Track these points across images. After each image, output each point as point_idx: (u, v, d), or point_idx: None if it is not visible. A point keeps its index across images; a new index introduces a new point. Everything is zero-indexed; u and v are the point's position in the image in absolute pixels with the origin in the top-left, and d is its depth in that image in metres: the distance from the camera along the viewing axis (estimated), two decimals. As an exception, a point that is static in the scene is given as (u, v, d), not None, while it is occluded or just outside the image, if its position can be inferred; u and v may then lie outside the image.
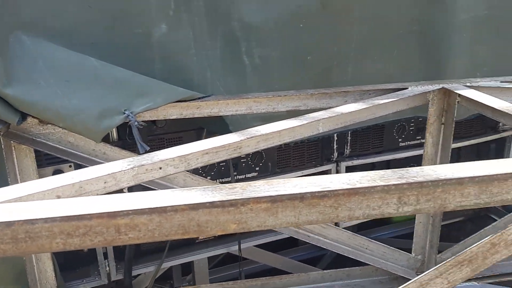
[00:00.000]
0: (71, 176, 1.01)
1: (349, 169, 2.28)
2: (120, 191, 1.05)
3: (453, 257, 0.99)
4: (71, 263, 1.96)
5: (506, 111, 1.28)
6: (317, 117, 1.35)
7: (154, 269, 1.99)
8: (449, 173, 0.87)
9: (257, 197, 0.82)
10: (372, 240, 1.80)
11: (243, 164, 2.05)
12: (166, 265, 2.08)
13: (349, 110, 1.40)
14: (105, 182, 1.03)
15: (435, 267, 0.99)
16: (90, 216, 0.78)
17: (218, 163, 1.99)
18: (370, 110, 1.44)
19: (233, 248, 2.17)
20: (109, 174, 1.03)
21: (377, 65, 2.04)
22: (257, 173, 2.10)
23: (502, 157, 2.63)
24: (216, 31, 1.75)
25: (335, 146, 2.16)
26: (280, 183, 0.86)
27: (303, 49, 1.85)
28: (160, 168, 1.09)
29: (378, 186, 0.84)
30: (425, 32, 2.04)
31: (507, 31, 2.19)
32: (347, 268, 1.86)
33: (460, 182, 0.86)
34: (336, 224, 2.27)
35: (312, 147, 2.17)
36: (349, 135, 2.16)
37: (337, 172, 2.25)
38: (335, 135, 2.13)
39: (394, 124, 2.28)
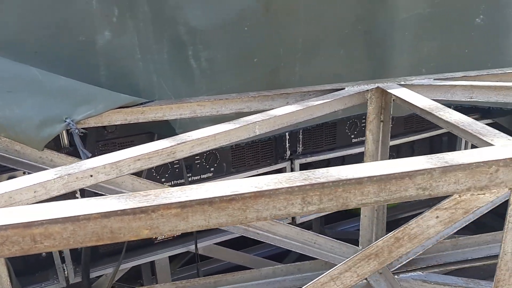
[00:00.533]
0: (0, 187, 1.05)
1: (303, 167, 2.34)
2: (55, 198, 1.09)
3: (360, 251, 1.05)
4: (30, 267, 1.99)
5: (429, 110, 1.36)
6: (253, 120, 1.40)
7: (113, 270, 2.03)
8: (350, 174, 0.93)
9: (168, 203, 0.87)
10: (320, 235, 1.87)
11: (198, 166, 2.10)
12: (127, 266, 2.12)
13: (285, 112, 1.46)
14: (35, 192, 1.07)
15: (344, 261, 1.06)
16: (6, 227, 0.82)
17: (172, 164, 2.04)
18: (306, 111, 1.50)
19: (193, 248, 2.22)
20: (38, 183, 1.07)
21: (325, 64, 2.10)
22: (212, 173, 2.15)
23: (454, 149, 2.72)
24: (162, 36, 1.79)
25: (287, 145, 2.22)
26: (193, 189, 0.91)
27: (249, 52, 1.90)
28: (91, 175, 1.14)
29: (283, 188, 0.90)
30: (369, 31, 2.10)
31: (452, 27, 2.27)
32: (297, 263, 1.93)
33: (359, 181, 0.92)
34: (293, 219, 2.35)
35: (266, 146, 2.22)
36: (301, 133, 2.23)
37: (292, 170, 2.31)
38: (287, 134, 2.19)
39: (346, 121, 2.35)
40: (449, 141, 2.73)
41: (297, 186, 0.90)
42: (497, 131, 1.15)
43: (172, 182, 2.08)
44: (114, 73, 1.70)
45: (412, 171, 0.94)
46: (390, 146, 2.48)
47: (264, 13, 1.86)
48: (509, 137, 1.12)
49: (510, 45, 2.26)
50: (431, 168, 0.95)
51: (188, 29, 1.80)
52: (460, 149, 2.69)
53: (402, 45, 2.12)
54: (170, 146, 1.25)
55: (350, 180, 0.92)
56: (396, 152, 2.66)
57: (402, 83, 1.71)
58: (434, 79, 1.73)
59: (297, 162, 2.30)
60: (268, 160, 2.26)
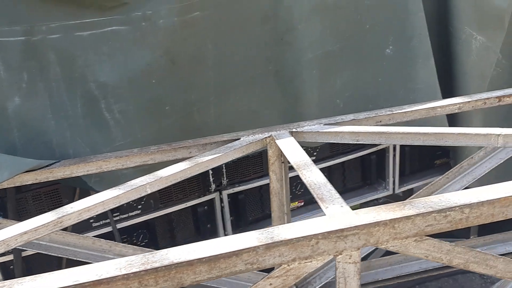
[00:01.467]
0: None
1: (233, 196, 2.49)
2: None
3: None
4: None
5: (296, 167, 1.50)
6: (143, 182, 1.54)
7: None
8: (182, 257, 1.07)
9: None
10: None
11: (124, 205, 2.24)
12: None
13: (173, 172, 1.59)
14: None
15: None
16: None
17: (99, 207, 2.17)
18: (198, 166, 1.64)
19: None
20: None
21: (241, 103, 2.24)
22: (140, 210, 2.29)
23: (383, 167, 2.87)
24: (75, 93, 1.92)
25: (211, 179, 2.36)
26: (33, 280, 1.04)
27: (160, 101, 2.03)
28: (-22, 254, 1.27)
29: (119, 275, 1.04)
30: (280, 71, 2.24)
31: (364, 58, 2.40)
32: None
33: (190, 263, 1.06)
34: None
35: (193, 179, 2.36)
36: (224, 167, 2.36)
37: (221, 200, 2.46)
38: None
39: (270, 151, 2.48)
40: (377, 159, 2.87)
41: (133, 273, 1.04)
42: (336, 196, 1.29)
43: (101, 222, 2.22)
44: (27, 134, 1.83)
45: (238, 250, 1.08)
46: (321, 168, 2.65)
47: (170, 65, 1.98)
48: (343, 203, 1.26)
49: (418, 73, 2.39)
50: (255, 246, 1.09)
51: (98, 84, 1.93)
52: (388, 168, 2.84)
53: (311, 82, 2.25)
54: (57, 218, 1.38)
55: (181, 263, 1.06)
56: (328, 173, 2.80)
57: (294, 130, 1.84)
58: (324, 124, 1.87)
59: (225, 193, 2.44)
60: (196, 192, 2.40)
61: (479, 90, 2.61)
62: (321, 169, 2.66)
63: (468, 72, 2.57)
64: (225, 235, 2.58)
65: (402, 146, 2.85)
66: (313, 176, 1.43)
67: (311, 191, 1.34)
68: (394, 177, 2.87)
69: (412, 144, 1.78)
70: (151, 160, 1.82)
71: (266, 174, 2.54)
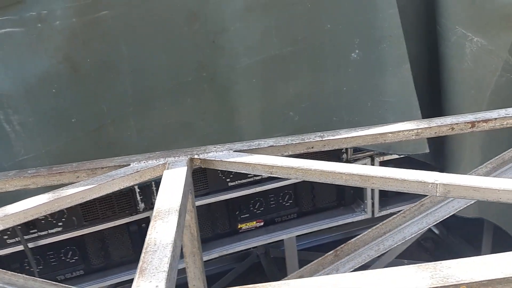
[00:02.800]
0: None
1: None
2: None
3: None
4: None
5: (156, 210, 1.21)
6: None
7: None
8: None
9: None
10: None
11: (43, 221, 2.04)
12: None
13: (26, 207, 1.34)
14: None
15: None
16: None
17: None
18: (62, 201, 1.38)
19: None
20: None
21: (170, 114, 1.94)
22: (61, 228, 2.08)
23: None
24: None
25: (138, 198, 2.10)
26: None
27: (64, 113, 1.78)
28: None
29: None
30: (215, 78, 1.91)
31: (325, 63, 2.02)
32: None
33: None
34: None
35: (122, 198, 2.12)
36: (153, 185, 2.09)
37: (157, 218, 2.20)
38: (136, 187, 2.07)
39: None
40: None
41: None
42: (163, 269, 0.98)
43: (15, 238, 2.04)
44: None
45: None
46: (285, 185, 2.33)
47: (72, 73, 1.72)
48: (162, 281, 0.95)
49: (387, 84, 1.97)
50: None
51: (-7, 94, 1.71)
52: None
53: (250, 92, 1.91)
54: None
55: None
56: (294, 191, 2.46)
57: (196, 156, 1.53)
58: (235, 151, 1.54)
59: (161, 212, 2.18)
60: (127, 210, 2.15)
61: (476, 102, 2.17)
62: (285, 186, 2.40)
63: (461, 80, 2.11)
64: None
65: (385, 163, 2.44)
66: (161, 232, 1.13)
67: (143, 253, 1.04)
68: (373, 198, 2.47)
69: (334, 183, 1.41)
70: (33, 184, 1.58)
71: (212, 192, 2.26)
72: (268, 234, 2.46)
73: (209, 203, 2.30)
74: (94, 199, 1.93)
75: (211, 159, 1.51)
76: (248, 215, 2.44)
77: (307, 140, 1.57)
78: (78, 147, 1.83)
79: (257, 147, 1.56)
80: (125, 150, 1.91)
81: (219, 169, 1.57)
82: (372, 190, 2.45)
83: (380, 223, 1.76)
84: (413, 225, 1.73)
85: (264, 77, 1.91)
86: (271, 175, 1.48)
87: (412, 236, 1.72)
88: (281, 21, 1.88)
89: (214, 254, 2.37)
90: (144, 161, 1.54)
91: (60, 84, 1.73)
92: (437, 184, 1.25)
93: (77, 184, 1.45)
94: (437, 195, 1.27)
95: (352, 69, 2.00)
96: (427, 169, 2.48)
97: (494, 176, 1.67)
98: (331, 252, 1.78)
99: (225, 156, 1.52)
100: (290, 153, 1.62)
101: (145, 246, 1.09)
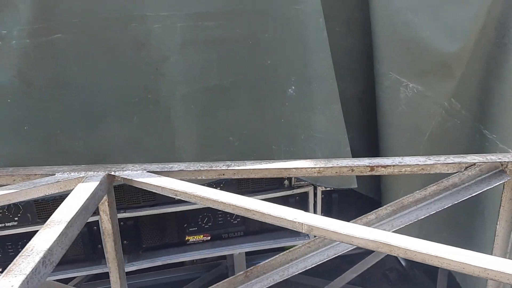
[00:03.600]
0: None
1: (122, 221, 2.41)
2: None
3: None
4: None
5: (50, 220, 1.39)
6: None
7: None
8: None
9: None
10: None
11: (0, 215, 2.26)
12: None
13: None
14: None
15: None
16: None
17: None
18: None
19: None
20: None
21: (118, 130, 2.13)
22: (17, 222, 2.30)
23: (307, 206, 2.59)
24: None
25: (85, 202, 2.29)
26: None
27: (17, 120, 1.97)
28: None
29: None
30: (158, 101, 2.09)
31: (266, 95, 2.17)
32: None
33: None
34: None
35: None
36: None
37: (105, 222, 2.38)
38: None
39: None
40: (301, 198, 2.60)
41: None
42: (24, 272, 1.16)
43: (-25, 228, 2.26)
44: None
45: None
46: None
47: (25, 87, 1.93)
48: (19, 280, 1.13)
49: (317, 120, 2.09)
50: None
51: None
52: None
53: (188, 117, 2.07)
54: None
55: None
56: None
57: (112, 173, 1.70)
58: (148, 171, 1.71)
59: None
60: (78, 213, 2.34)
61: (412, 144, 2.27)
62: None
63: (395, 123, 2.21)
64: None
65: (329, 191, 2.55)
66: (42, 239, 1.30)
67: (18, 256, 1.22)
68: (316, 225, 2.58)
69: (225, 211, 1.56)
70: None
71: (160, 203, 2.43)
72: (213, 248, 2.61)
73: (158, 214, 2.46)
74: (47, 200, 2.17)
75: (125, 177, 1.69)
76: (196, 228, 2.60)
77: (214, 168, 1.72)
78: (30, 152, 2.03)
79: (169, 170, 1.72)
80: (75, 159, 2.12)
81: (135, 186, 1.73)
82: (315, 213, 2.56)
83: (287, 251, 1.89)
84: (315, 256, 1.85)
85: (203, 104, 2.07)
86: (176, 197, 1.64)
87: (313, 265, 1.84)
88: (223, 55, 2.04)
89: (158, 262, 2.53)
90: (68, 172, 1.73)
91: (14, 95, 1.94)
92: (300, 222, 1.38)
93: (6, 187, 1.65)
94: (303, 231, 1.41)
95: (289, 103, 2.14)
96: (370, 200, 2.61)
97: (392, 219, 1.77)
98: (241, 272, 1.93)
99: (138, 175, 1.69)
100: (204, 177, 1.78)
101: (23, 250, 1.27)
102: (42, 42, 1.89)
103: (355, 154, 2.45)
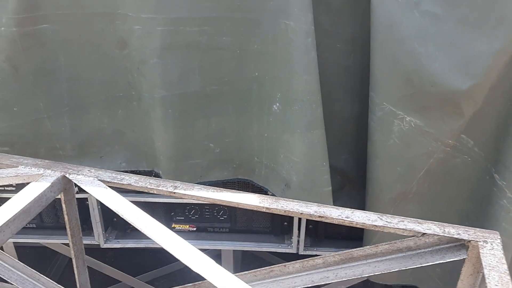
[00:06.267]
0: None
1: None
2: None
3: None
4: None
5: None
6: None
7: None
8: None
9: None
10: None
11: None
12: None
13: None
14: None
15: None
16: None
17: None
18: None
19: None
20: None
21: (103, 121, 2.17)
22: None
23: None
24: None
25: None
26: None
27: (7, 101, 2.06)
28: None
29: None
30: (140, 98, 2.08)
31: (250, 107, 2.08)
32: None
33: None
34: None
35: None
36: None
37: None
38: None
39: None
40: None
41: None
42: None
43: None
44: None
45: None
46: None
47: (13, 71, 2.00)
48: None
49: (295, 144, 1.96)
50: None
51: None
52: (292, 223, 2.49)
53: (165, 120, 2.03)
54: None
55: None
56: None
57: (67, 175, 1.74)
58: (99, 179, 1.72)
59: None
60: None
61: (403, 180, 2.11)
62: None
63: (385, 156, 2.03)
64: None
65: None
66: None
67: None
68: (299, 236, 2.51)
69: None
70: None
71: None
72: (198, 240, 2.64)
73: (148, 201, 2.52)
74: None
75: (76, 182, 1.73)
76: (183, 218, 2.64)
77: (161, 188, 1.70)
78: (20, 132, 2.14)
79: (119, 182, 1.73)
80: (61, 142, 2.20)
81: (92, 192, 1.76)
82: (299, 228, 2.48)
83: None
84: (259, 286, 1.80)
85: (182, 109, 2.02)
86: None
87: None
88: (206, 62, 1.96)
89: (142, 244, 2.62)
90: (30, 166, 1.80)
91: (4, 78, 2.02)
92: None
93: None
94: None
95: (273, 119, 2.04)
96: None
97: (339, 268, 1.67)
98: (190, 284, 1.94)
99: (88, 182, 1.72)
100: (155, 192, 1.77)
101: None
102: (28, 31, 1.92)
103: (348, 177, 2.32)
